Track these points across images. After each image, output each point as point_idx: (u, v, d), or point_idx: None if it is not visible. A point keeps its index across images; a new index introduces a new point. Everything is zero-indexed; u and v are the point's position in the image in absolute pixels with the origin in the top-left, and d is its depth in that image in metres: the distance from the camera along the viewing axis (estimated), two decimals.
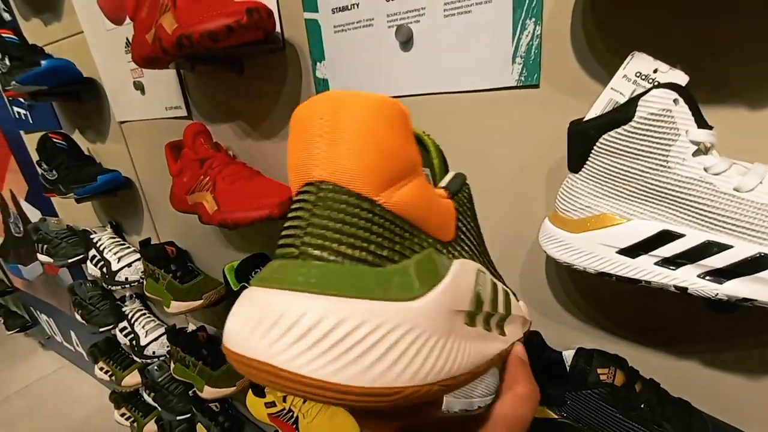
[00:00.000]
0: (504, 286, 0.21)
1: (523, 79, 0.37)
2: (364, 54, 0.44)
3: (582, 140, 0.30)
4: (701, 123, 0.26)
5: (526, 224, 0.41)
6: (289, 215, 0.14)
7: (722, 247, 0.26)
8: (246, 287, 0.65)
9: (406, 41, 0.41)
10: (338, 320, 0.11)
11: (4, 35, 0.70)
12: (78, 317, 1.07)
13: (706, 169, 0.26)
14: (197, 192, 0.55)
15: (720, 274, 0.26)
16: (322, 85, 0.48)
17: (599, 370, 0.37)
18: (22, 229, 1.30)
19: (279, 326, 0.11)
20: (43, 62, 0.65)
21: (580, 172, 0.31)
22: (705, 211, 0.26)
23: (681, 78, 0.28)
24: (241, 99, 0.57)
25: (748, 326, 0.34)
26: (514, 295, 0.23)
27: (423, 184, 0.14)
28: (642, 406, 0.35)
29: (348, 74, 0.46)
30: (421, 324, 0.12)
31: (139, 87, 0.67)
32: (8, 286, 1.74)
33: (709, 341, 0.36)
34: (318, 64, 0.47)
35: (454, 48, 0.39)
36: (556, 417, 0.38)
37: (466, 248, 0.18)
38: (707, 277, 0.26)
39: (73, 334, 1.54)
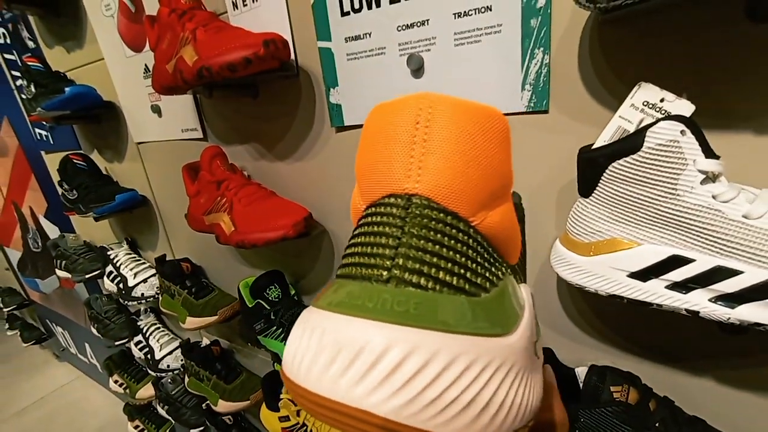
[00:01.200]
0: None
1: (532, 105, 0.38)
2: (376, 80, 0.46)
3: (592, 167, 0.31)
4: (708, 153, 0.27)
5: (537, 242, 0.42)
6: (366, 229, 0.12)
7: (733, 273, 0.26)
8: (266, 303, 0.64)
9: (418, 69, 0.42)
10: (448, 361, 0.09)
11: (29, 63, 0.73)
12: (94, 331, 1.09)
13: (714, 197, 0.27)
14: (214, 213, 0.57)
15: (731, 299, 0.26)
16: (335, 110, 0.50)
17: (612, 388, 0.37)
18: (40, 244, 1.33)
19: (376, 366, 0.09)
20: (67, 89, 0.68)
21: (591, 197, 0.32)
22: (714, 237, 0.27)
23: (687, 107, 0.29)
24: (255, 122, 0.59)
25: (759, 345, 0.34)
26: None
27: (511, 207, 0.13)
28: (657, 425, 0.35)
29: (361, 100, 0.48)
30: (519, 360, 0.11)
31: (157, 110, 0.69)
32: (25, 299, 1.77)
33: (723, 360, 0.37)
34: (331, 89, 0.49)
35: (465, 75, 0.40)
36: None
37: (519, 270, 0.16)
38: (719, 302, 0.27)
39: (87, 346, 1.56)
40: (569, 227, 0.35)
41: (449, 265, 0.11)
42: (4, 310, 1.79)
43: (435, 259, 0.10)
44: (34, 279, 1.54)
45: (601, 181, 0.31)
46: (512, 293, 0.12)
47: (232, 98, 0.59)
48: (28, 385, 1.83)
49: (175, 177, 0.68)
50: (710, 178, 0.27)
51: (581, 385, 0.40)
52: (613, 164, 0.30)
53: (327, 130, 0.52)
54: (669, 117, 0.27)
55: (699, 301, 0.28)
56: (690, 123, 0.26)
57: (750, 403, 0.36)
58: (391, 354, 0.09)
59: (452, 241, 0.11)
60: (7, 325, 1.90)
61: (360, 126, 0.50)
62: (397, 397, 0.09)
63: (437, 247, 0.11)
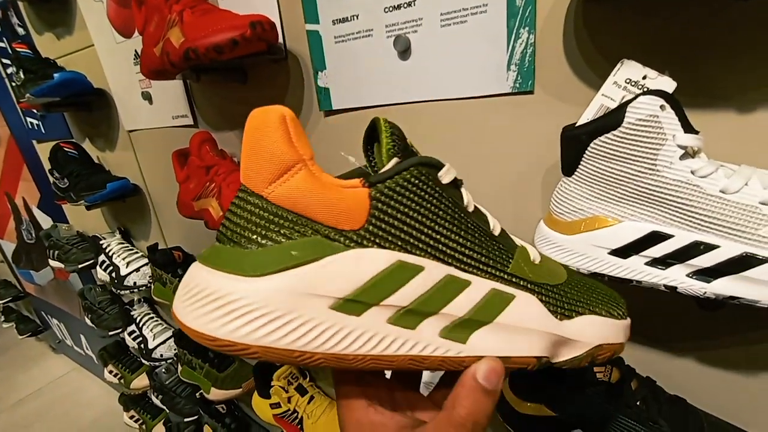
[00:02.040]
0: (504, 291, 0.20)
1: (518, 85, 0.38)
2: (363, 63, 0.45)
3: (574, 145, 0.31)
4: (688, 128, 0.27)
5: (523, 226, 0.42)
6: None
7: (709, 247, 0.26)
8: None
9: (404, 50, 0.42)
10: (208, 288, 0.16)
11: (18, 49, 0.72)
12: (88, 321, 1.09)
13: (693, 172, 0.27)
14: (203, 198, 0.57)
15: (708, 273, 0.27)
16: (323, 94, 0.50)
17: (596, 369, 0.38)
18: (34, 235, 1.33)
19: (189, 294, 0.16)
20: (55, 75, 0.68)
21: (573, 176, 0.32)
22: (692, 212, 0.27)
23: (669, 84, 0.29)
24: (245, 107, 0.59)
25: (739, 324, 0.35)
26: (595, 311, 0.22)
27: (308, 177, 0.16)
28: (638, 403, 0.36)
29: (348, 83, 0.48)
30: (258, 298, 0.15)
31: (147, 97, 0.69)
32: (20, 292, 1.77)
33: (703, 339, 0.37)
34: (319, 73, 0.49)
35: (451, 56, 0.40)
36: (553, 415, 0.39)
37: (391, 238, 0.17)
38: (695, 277, 0.27)
39: (83, 337, 1.56)
40: (552, 207, 0.35)
41: (239, 229, 0.16)
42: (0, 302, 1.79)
43: (230, 224, 0.17)
44: (29, 271, 1.54)
45: (583, 158, 0.31)
46: (289, 250, 0.16)
47: (220, 83, 0.59)
48: (24, 377, 1.83)
49: (166, 165, 0.67)
50: (689, 153, 0.27)
51: None
52: (595, 141, 0.30)
53: (316, 114, 0.52)
54: (649, 92, 0.27)
55: (677, 276, 0.28)
56: (670, 98, 0.26)
57: (729, 381, 0.37)
58: (192, 285, 0.16)
59: (246, 211, 0.16)
60: (2, 318, 1.90)
61: (349, 110, 0.49)
62: (190, 309, 0.16)
63: (236, 216, 0.17)
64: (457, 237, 0.19)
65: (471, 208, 0.20)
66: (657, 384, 0.38)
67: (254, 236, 0.16)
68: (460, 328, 0.18)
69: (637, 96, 0.27)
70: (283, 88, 0.53)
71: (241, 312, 0.15)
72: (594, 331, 0.22)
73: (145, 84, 0.68)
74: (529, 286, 0.21)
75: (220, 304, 0.15)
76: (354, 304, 0.16)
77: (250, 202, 0.16)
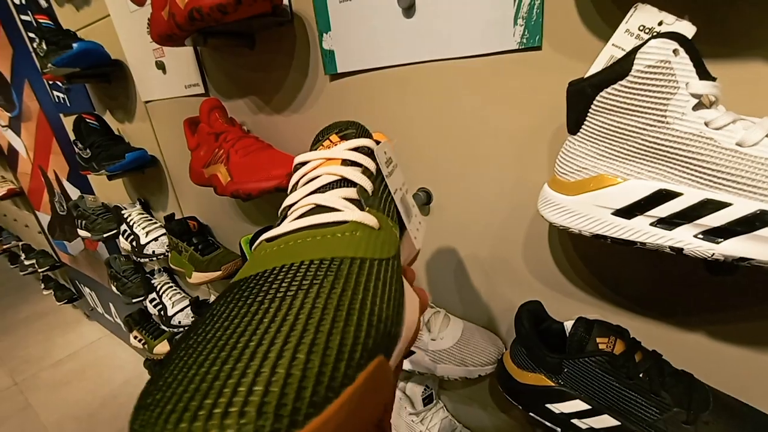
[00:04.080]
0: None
1: (525, 41, 0.36)
2: (367, 23, 0.44)
3: (580, 99, 0.30)
4: (704, 75, 0.25)
5: (528, 192, 0.41)
6: None
7: (720, 206, 0.25)
8: None
9: (409, 7, 0.41)
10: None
11: (41, 20, 0.75)
12: (114, 289, 1.15)
13: (706, 124, 0.25)
14: (212, 165, 0.58)
15: (717, 233, 0.25)
16: (328, 57, 0.49)
17: (598, 339, 0.36)
18: (65, 207, 1.40)
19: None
20: (74, 45, 0.69)
21: (578, 133, 0.31)
22: (704, 168, 0.25)
23: (687, 29, 0.26)
24: (253, 73, 0.59)
25: (751, 294, 0.32)
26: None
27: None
28: (641, 375, 0.34)
29: (352, 44, 0.46)
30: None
31: (161, 66, 0.70)
32: (56, 261, 1.89)
33: (712, 311, 0.35)
34: (324, 35, 0.48)
35: (456, 13, 0.38)
36: (553, 385, 0.38)
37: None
38: (704, 237, 0.25)
39: (112, 306, 1.66)
40: (556, 168, 0.33)
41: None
42: (39, 271, 1.91)
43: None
44: (63, 241, 1.64)
45: (588, 114, 0.29)
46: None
47: (229, 49, 0.59)
48: (62, 340, 1.97)
49: (180, 136, 0.69)
50: (704, 104, 0.25)
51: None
52: (601, 94, 0.28)
53: (321, 78, 0.51)
54: (661, 35, 0.25)
55: (684, 237, 0.26)
56: (684, 41, 0.24)
57: (739, 355, 0.35)
58: None
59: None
60: (42, 285, 2.04)
61: (354, 72, 0.48)
62: None
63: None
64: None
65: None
66: (663, 357, 0.36)
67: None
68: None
69: (647, 41, 0.25)
70: (290, 52, 0.53)
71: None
72: None
73: (159, 53, 0.69)
74: None
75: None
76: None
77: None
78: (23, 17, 0.97)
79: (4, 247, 2.23)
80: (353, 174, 0.23)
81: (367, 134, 0.27)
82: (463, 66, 0.40)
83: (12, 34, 1.07)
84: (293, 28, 0.51)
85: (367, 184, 0.23)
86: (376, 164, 0.25)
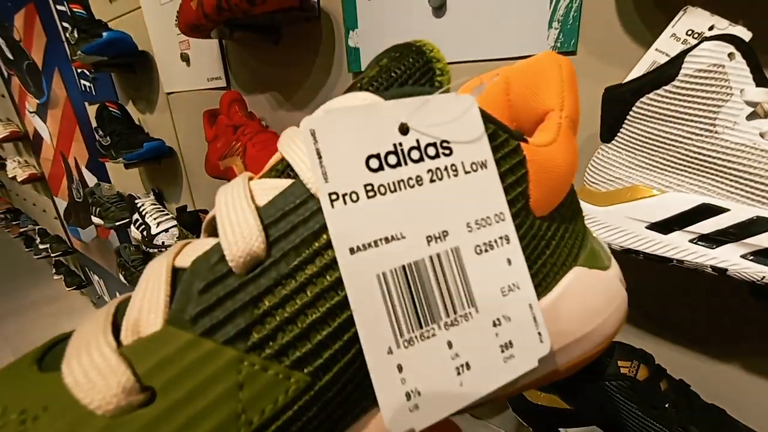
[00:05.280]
0: None
1: (559, 45, 0.35)
2: (396, 21, 0.43)
3: (616, 105, 0.28)
4: (762, 81, 0.23)
5: None
6: None
7: None
8: None
9: (440, 7, 0.40)
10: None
11: (74, 9, 0.76)
12: (121, 278, 1.15)
13: (762, 135, 0.23)
14: (229, 157, 0.57)
15: None
16: (353, 55, 0.48)
17: (620, 363, 0.34)
18: (82, 194, 1.43)
19: None
20: (104, 34, 0.71)
21: (613, 141, 0.29)
22: (756, 182, 0.23)
23: (742, 34, 0.25)
24: (277, 69, 0.58)
25: None
26: None
27: None
28: (666, 405, 0.32)
29: (379, 42, 0.46)
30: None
31: (186, 59, 0.70)
32: (69, 247, 1.92)
33: (754, 343, 0.32)
34: (351, 32, 0.47)
35: (488, 13, 0.37)
36: (568, 408, 0.36)
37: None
38: (753, 258, 0.23)
39: (118, 295, 1.67)
40: (587, 177, 0.31)
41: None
42: (52, 256, 1.94)
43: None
44: (77, 228, 1.66)
45: (626, 121, 0.28)
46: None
47: (254, 43, 0.59)
48: (69, 325, 1.92)
49: (198, 128, 0.69)
50: (760, 114, 0.23)
51: None
52: (641, 100, 0.26)
53: (344, 76, 0.51)
54: (715, 37, 0.23)
55: (729, 257, 0.24)
56: (741, 44, 0.23)
57: None
58: None
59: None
60: (54, 270, 2.07)
61: None
62: None
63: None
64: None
65: None
66: (691, 389, 0.34)
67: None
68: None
69: (699, 43, 0.23)
70: (315, 49, 0.52)
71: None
72: None
73: (185, 45, 0.69)
74: None
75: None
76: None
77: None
78: (59, 7, 0.99)
79: (21, 230, 2.27)
80: (230, 203, 0.11)
81: (409, 73, 0.12)
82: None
83: (47, 23, 1.10)
84: (320, 24, 0.51)
85: (238, 241, 0.10)
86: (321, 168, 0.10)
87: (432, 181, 0.11)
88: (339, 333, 0.09)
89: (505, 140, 0.12)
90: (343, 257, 0.09)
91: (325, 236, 0.10)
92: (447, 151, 0.11)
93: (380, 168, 0.10)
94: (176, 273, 0.10)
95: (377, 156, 0.10)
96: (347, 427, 0.10)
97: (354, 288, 0.09)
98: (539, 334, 0.12)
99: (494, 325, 0.11)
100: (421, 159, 0.11)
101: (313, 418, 0.09)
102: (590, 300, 0.14)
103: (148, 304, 0.09)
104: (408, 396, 0.10)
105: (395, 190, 0.10)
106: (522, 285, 0.12)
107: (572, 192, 0.15)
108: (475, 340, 0.11)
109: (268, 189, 0.10)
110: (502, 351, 0.11)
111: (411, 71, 0.12)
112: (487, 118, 0.12)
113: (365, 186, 0.10)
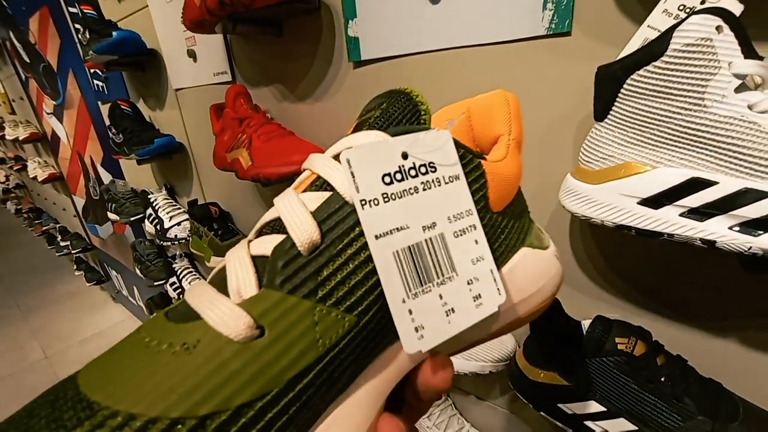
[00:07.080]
0: None
1: (553, 26, 0.35)
2: (393, 9, 0.44)
3: (609, 83, 0.28)
4: (750, 54, 0.23)
5: (551, 182, 0.39)
6: None
7: (761, 195, 0.23)
8: None
9: None
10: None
11: (85, 10, 0.79)
12: (137, 272, 1.19)
13: (750, 107, 0.23)
14: (235, 149, 0.59)
15: (755, 225, 0.23)
16: (352, 44, 0.49)
17: (618, 339, 0.35)
18: (98, 191, 1.47)
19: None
20: (114, 33, 0.73)
21: (605, 120, 0.29)
22: (744, 155, 0.23)
23: (734, 7, 0.25)
24: (280, 61, 0.59)
25: None
26: None
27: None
28: (662, 379, 0.32)
29: (377, 31, 0.46)
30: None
31: (192, 55, 0.72)
32: (88, 244, 1.98)
33: (746, 316, 0.32)
34: (350, 22, 0.48)
35: None
36: (567, 384, 0.37)
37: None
38: (740, 229, 0.24)
39: (135, 289, 1.72)
40: (580, 156, 0.32)
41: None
42: (73, 253, 2.01)
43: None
44: (94, 225, 1.71)
45: (617, 99, 0.28)
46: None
47: (258, 37, 0.60)
48: (90, 319, 2.07)
49: (207, 123, 0.71)
50: (748, 86, 0.23)
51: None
52: (632, 77, 0.26)
53: (345, 66, 0.52)
54: (703, 10, 0.23)
55: (717, 229, 0.24)
56: (729, 17, 0.23)
57: None
58: None
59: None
60: (74, 266, 2.15)
61: (377, 60, 0.48)
62: None
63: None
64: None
65: None
66: (688, 363, 0.34)
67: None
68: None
69: (687, 17, 0.24)
70: (316, 40, 0.53)
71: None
72: None
73: (191, 42, 0.71)
74: None
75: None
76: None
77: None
78: (71, 9, 1.02)
79: (43, 228, 2.36)
80: (291, 209, 0.15)
81: (402, 114, 0.17)
82: (489, 53, 0.39)
83: (60, 26, 1.13)
84: (320, 15, 0.51)
85: (303, 234, 0.14)
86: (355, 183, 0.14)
87: (424, 189, 0.16)
88: (372, 289, 0.14)
89: (471, 159, 0.17)
90: (371, 241, 0.14)
91: (358, 228, 0.14)
92: (433, 169, 0.16)
93: (391, 182, 0.15)
94: (253, 259, 0.15)
95: (389, 174, 0.15)
96: (382, 351, 0.15)
97: (379, 261, 0.14)
98: (498, 289, 0.17)
99: (468, 283, 0.16)
100: (417, 175, 0.15)
101: (359, 344, 0.14)
102: (534, 270, 0.19)
103: (242, 278, 0.14)
104: (416, 329, 0.14)
105: (401, 197, 0.15)
106: (485, 257, 0.17)
107: (519, 193, 0.20)
108: (457, 293, 0.16)
109: (314, 199, 0.15)
110: (474, 300, 0.16)
111: (404, 112, 0.17)
112: (458, 144, 0.17)
113: (382, 194, 0.15)
